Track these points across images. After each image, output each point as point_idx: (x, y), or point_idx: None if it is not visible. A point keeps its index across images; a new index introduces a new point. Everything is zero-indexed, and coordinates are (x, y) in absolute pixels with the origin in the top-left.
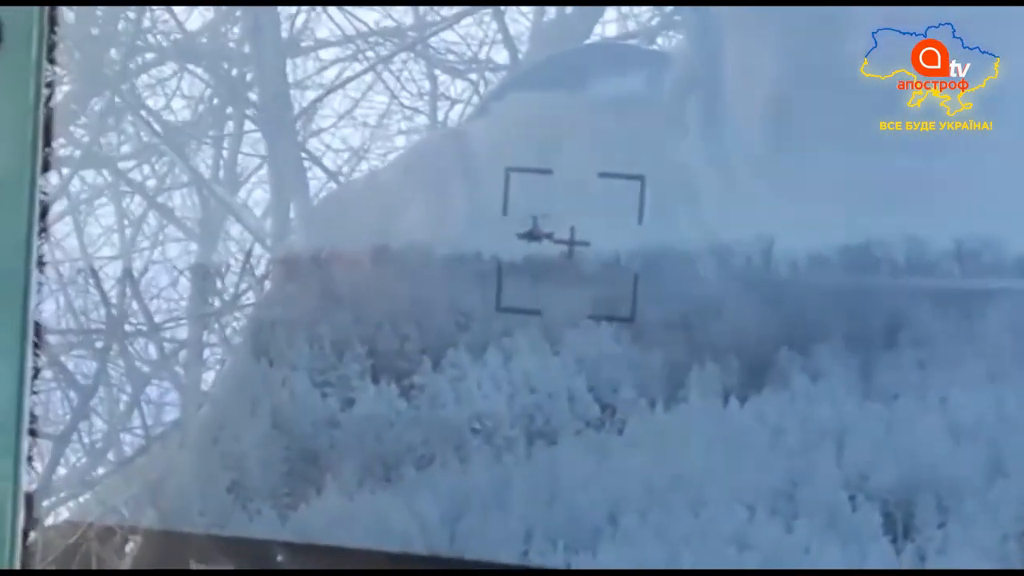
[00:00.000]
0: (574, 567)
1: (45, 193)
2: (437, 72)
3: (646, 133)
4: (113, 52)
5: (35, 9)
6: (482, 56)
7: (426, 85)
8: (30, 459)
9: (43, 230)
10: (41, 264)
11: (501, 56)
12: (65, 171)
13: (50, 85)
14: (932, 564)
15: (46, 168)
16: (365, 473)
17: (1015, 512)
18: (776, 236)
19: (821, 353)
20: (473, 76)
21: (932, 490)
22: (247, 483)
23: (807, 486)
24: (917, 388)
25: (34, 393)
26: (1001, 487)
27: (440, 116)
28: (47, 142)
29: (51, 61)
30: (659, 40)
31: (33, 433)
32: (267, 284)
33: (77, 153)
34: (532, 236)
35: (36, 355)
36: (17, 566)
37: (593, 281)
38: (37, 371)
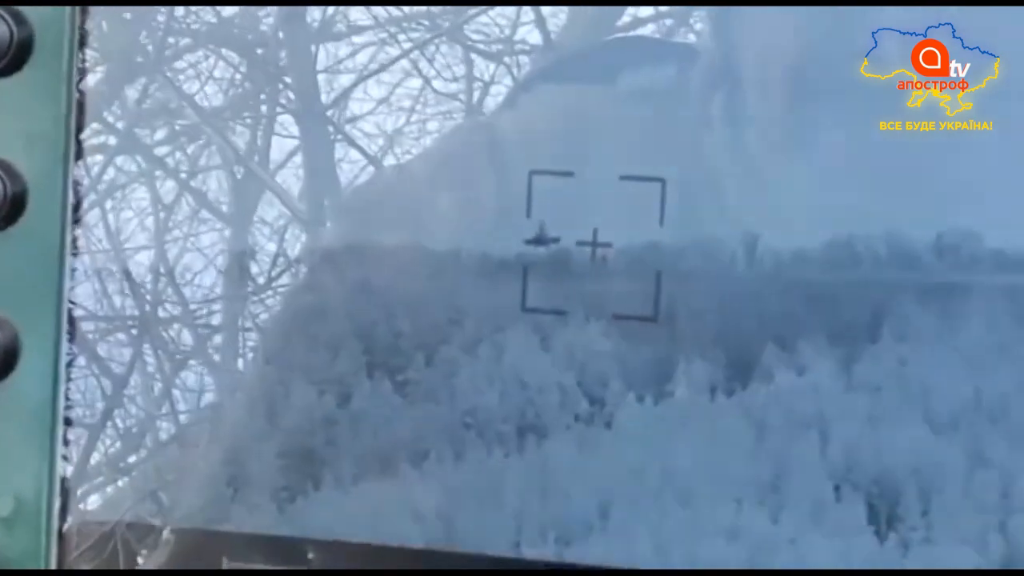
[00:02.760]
0: (566, 559)
1: (79, 183)
2: (471, 56)
3: (672, 130)
4: (145, 36)
5: (67, 8)
6: (516, 37)
7: (460, 69)
8: (66, 443)
9: (77, 219)
10: (75, 253)
11: (534, 37)
12: (100, 158)
13: (82, 71)
14: (916, 552)
15: (79, 156)
16: (361, 468)
17: (996, 501)
18: (762, 233)
19: (805, 348)
20: (507, 59)
21: (915, 480)
22: (246, 478)
23: (793, 478)
24: (899, 380)
25: (69, 380)
26: (982, 476)
27: (475, 98)
28: (79, 131)
29: (82, 46)
30: (693, 21)
31: (68, 422)
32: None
33: (111, 140)
34: (539, 241)
35: (70, 344)
36: (53, 556)
37: (616, 281)
38: (71, 360)
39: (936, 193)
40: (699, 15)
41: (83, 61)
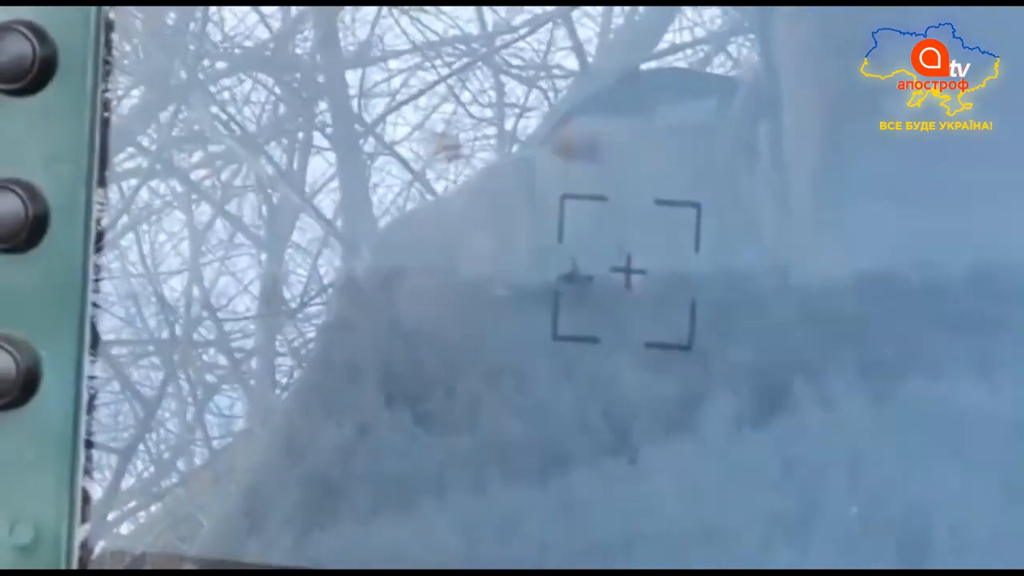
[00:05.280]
0: None
1: (103, 205)
2: (504, 80)
3: (712, 161)
4: (180, 62)
5: (91, 27)
6: (550, 62)
7: (495, 95)
8: (87, 472)
9: (100, 245)
10: (98, 279)
11: (570, 62)
12: (134, 182)
13: (107, 91)
14: None
15: (103, 183)
16: (380, 500)
17: None
18: (795, 262)
19: (835, 381)
20: (543, 84)
21: (947, 517)
22: (262, 510)
23: (821, 514)
24: (930, 415)
25: (91, 409)
26: (1016, 515)
27: (508, 126)
28: (103, 151)
29: (107, 65)
30: (730, 48)
31: (89, 444)
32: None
33: (145, 163)
34: (571, 279)
35: (92, 364)
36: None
37: (650, 309)
38: (94, 384)
39: (972, 225)
40: (736, 41)
41: (107, 80)
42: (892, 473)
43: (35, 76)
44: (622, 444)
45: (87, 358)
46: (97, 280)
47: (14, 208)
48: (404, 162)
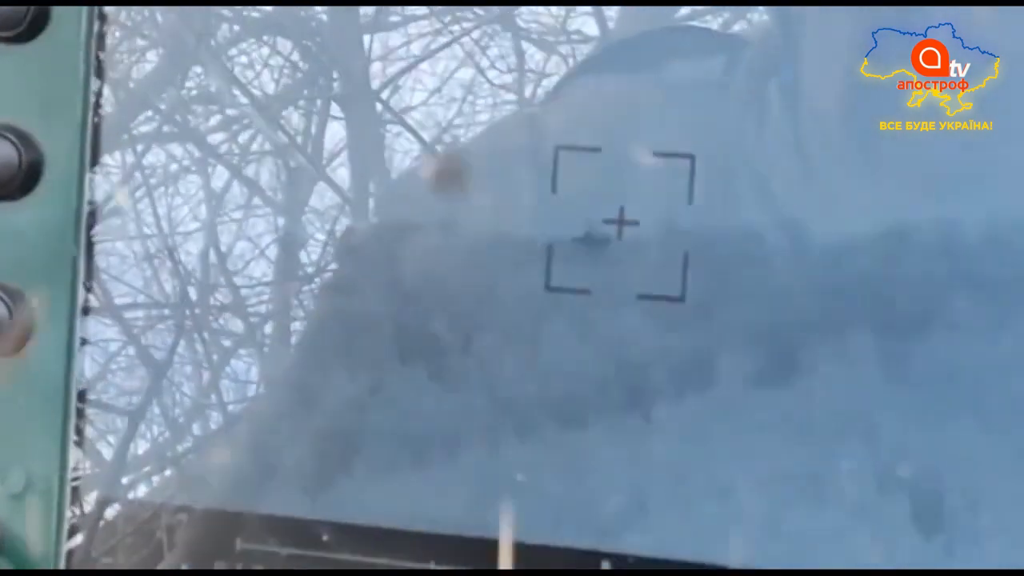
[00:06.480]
0: (602, 550)
1: (93, 172)
2: (524, 45)
3: (716, 117)
4: (197, 26)
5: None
6: (571, 27)
7: (514, 60)
8: (79, 431)
9: (92, 211)
10: (90, 243)
11: (590, 27)
12: (141, 147)
13: (101, 38)
14: (961, 553)
15: (96, 148)
16: (394, 455)
17: None
18: (810, 221)
19: (852, 340)
20: (563, 49)
21: (963, 477)
22: (276, 463)
23: (836, 473)
24: (949, 374)
25: (85, 362)
26: None
27: (528, 92)
28: (98, 99)
29: (101, 17)
30: (749, 15)
31: (82, 396)
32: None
33: (162, 127)
34: (584, 241)
35: (86, 315)
36: (64, 536)
37: (643, 261)
38: (87, 337)
39: (990, 184)
40: (758, 9)
41: (103, 27)
42: (907, 433)
43: (29, 24)
44: (622, 396)
45: (80, 308)
46: (91, 229)
47: (8, 155)
48: (418, 135)
